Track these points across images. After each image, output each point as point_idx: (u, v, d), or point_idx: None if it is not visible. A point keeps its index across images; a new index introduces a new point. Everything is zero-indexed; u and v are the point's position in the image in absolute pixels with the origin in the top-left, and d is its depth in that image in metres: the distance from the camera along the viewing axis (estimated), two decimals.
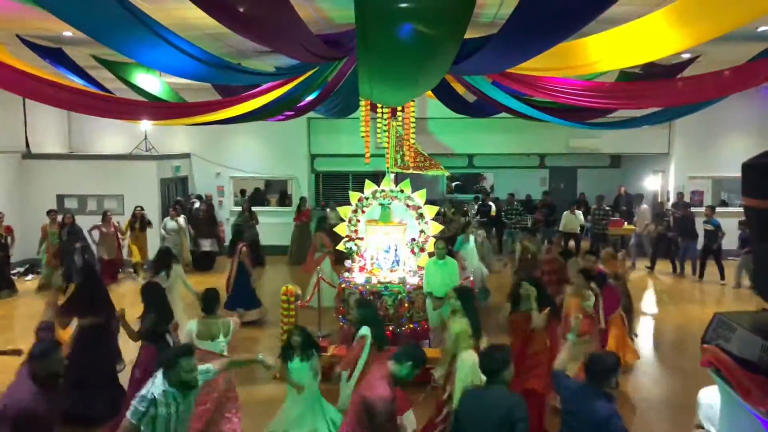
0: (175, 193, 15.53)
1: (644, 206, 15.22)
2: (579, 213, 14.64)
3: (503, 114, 9.90)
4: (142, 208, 13.65)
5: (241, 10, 4.72)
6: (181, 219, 13.71)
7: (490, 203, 16.01)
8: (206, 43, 8.06)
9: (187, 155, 16.32)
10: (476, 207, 16.31)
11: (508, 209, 15.35)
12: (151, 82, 9.35)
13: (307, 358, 5.79)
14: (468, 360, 5.28)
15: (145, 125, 14.33)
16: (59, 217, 12.65)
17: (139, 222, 13.42)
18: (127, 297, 11.45)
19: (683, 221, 13.65)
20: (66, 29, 7.47)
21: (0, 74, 6.27)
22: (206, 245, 14.44)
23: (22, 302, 11.92)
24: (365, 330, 6.06)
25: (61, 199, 14.51)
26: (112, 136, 16.05)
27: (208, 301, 5.89)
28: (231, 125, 11.62)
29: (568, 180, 19.10)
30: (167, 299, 7.10)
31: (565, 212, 14.58)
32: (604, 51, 6.03)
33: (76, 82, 8.58)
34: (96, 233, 12.85)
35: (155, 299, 6.57)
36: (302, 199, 15.46)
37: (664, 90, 7.13)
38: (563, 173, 18.84)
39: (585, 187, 18.04)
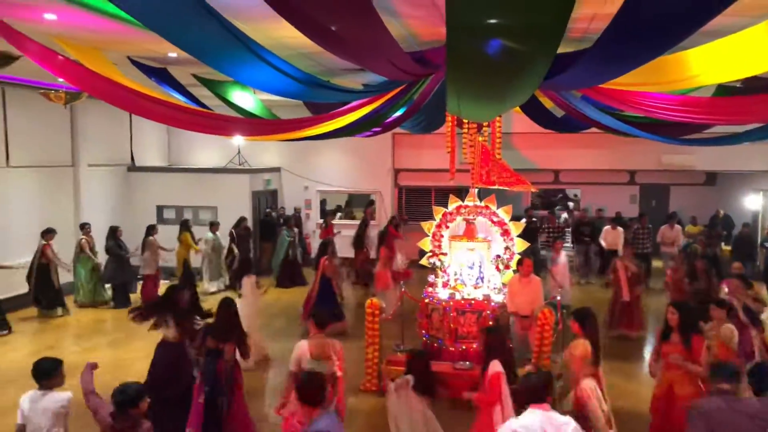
0: (266, 206, 16.07)
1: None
2: (677, 227, 14.12)
3: (591, 129, 9.65)
4: (188, 221, 13.97)
5: (334, 28, 4.88)
6: (219, 234, 13.73)
7: (535, 219, 15.49)
8: (299, 62, 8.34)
9: (277, 169, 16.90)
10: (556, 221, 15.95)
11: (548, 227, 15.03)
12: (247, 99, 9.81)
13: None
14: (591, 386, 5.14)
15: (239, 140, 14.96)
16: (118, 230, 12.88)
17: (189, 233, 13.58)
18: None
19: None
20: (171, 50, 7.95)
21: (111, 92, 6.77)
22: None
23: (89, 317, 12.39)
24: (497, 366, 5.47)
25: (160, 209, 15.38)
26: (208, 150, 16.88)
27: (321, 318, 5.74)
28: (319, 140, 11.96)
29: (659, 197, 18.30)
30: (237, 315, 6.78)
31: (663, 226, 14.16)
32: (706, 64, 5.77)
33: (179, 99, 9.13)
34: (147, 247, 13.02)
35: (225, 314, 6.48)
36: (326, 216, 15.71)
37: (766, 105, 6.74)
38: (654, 190, 18.07)
39: (678, 205, 17.22)
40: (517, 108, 9.53)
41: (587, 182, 16.81)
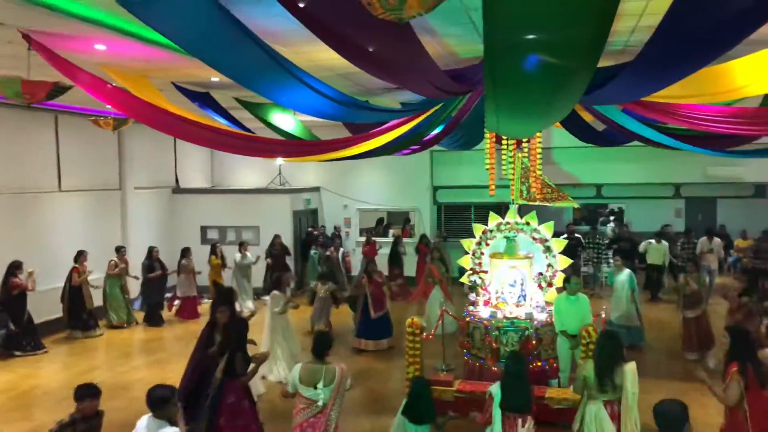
0: (307, 225, 16.24)
1: None
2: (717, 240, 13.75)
3: (634, 142, 9.49)
4: (219, 244, 14.09)
5: (371, 50, 4.95)
6: (249, 255, 13.77)
7: (577, 234, 15.17)
8: (337, 83, 8.47)
9: (317, 189, 17.08)
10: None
11: (590, 242, 14.82)
12: (287, 120, 9.97)
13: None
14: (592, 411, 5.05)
15: (280, 160, 15.18)
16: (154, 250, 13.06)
17: (220, 257, 13.70)
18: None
19: None
20: (213, 75, 8.16)
21: (157, 117, 6.99)
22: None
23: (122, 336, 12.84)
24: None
25: (204, 230, 15.69)
26: (250, 171, 17.18)
27: (316, 345, 5.61)
28: (358, 159, 12.07)
29: (706, 211, 17.82)
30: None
31: (702, 238, 13.81)
32: (752, 74, 5.64)
33: (221, 122, 9.34)
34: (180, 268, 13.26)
35: (242, 335, 6.61)
36: (369, 233, 15.72)
37: None
38: (701, 204, 17.62)
39: (726, 219, 16.72)
40: (558, 123, 9.45)
41: (631, 196, 16.49)
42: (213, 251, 13.72)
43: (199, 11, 4.18)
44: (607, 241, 15.00)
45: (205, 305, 13.57)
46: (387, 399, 8.15)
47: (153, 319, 12.67)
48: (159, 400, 4.42)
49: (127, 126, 9.83)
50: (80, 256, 11.77)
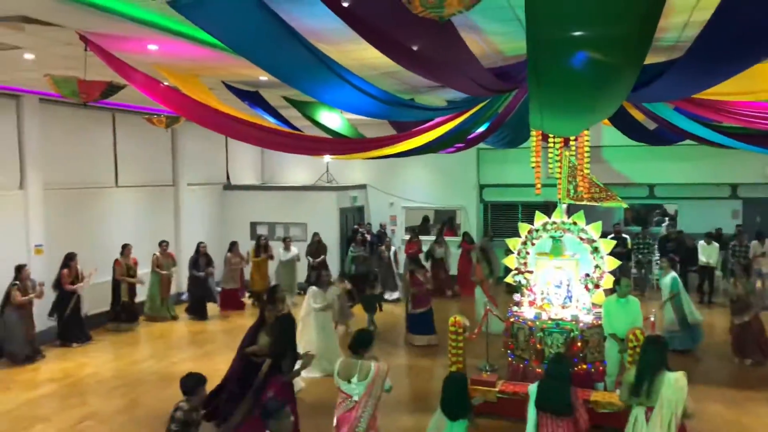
0: (353, 222, 16.37)
1: None
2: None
3: (688, 141, 9.20)
4: (266, 238, 14.30)
5: (415, 48, 4.96)
6: (294, 249, 13.99)
7: (625, 236, 14.68)
8: (382, 82, 8.51)
9: (363, 186, 17.20)
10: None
11: (639, 243, 14.35)
12: (333, 119, 10.08)
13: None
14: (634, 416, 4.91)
15: (327, 158, 15.35)
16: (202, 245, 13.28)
17: (264, 249, 13.83)
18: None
19: None
20: (262, 74, 8.32)
21: (207, 117, 7.18)
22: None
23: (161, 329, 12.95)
24: None
25: (253, 226, 16.00)
26: (298, 168, 17.44)
27: (354, 341, 5.75)
28: (404, 157, 12.09)
29: (765, 213, 17.05)
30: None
31: (753, 241, 13.40)
32: None
33: (270, 121, 9.52)
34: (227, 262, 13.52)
35: (292, 331, 6.72)
36: (412, 231, 15.60)
37: None
38: (759, 205, 16.87)
39: None
40: (607, 121, 9.25)
41: (685, 197, 15.97)
42: (257, 246, 13.93)
43: (245, 12, 4.28)
44: (656, 243, 14.55)
45: (246, 300, 13.96)
46: (429, 397, 8.15)
47: (197, 312, 12.93)
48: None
49: (179, 124, 10.12)
50: (125, 248, 12.05)
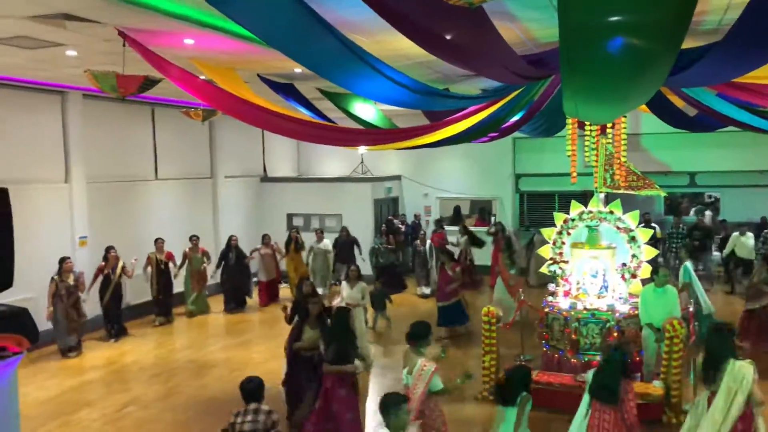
0: (387, 213, 16.41)
1: None
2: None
3: (730, 127, 8.94)
4: (298, 231, 14.18)
5: (448, 37, 4.94)
6: (326, 241, 13.86)
7: (654, 225, 14.23)
8: (416, 71, 8.50)
9: (398, 177, 17.22)
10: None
11: (672, 232, 13.94)
12: (367, 110, 10.11)
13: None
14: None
15: (362, 149, 15.40)
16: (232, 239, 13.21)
17: (294, 243, 13.76)
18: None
19: None
20: (296, 66, 8.39)
21: (243, 110, 7.28)
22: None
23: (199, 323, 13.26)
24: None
25: (290, 217, 16.19)
26: (334, 160, 17.56)
27: (407, 333, 5.76)
28: (439, 147, 12.05)
29: None
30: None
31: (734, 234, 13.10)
32: None
33: (304, 113, 9.60)
34: (256, 255, 13.48)
35: (346, 324, 6.66)
36: (437, 222, 15.38)
37: None
38: None
39: None
40: (645, 107, 9.06)
41: (728, 185, 15.53)
42: (288, 241, 13.85)
43: (277, 4, 4.33)
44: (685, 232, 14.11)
45: (284, 289, 14.04)
46: (460, 388, 8.09)
47: (232, 305, 12.97)
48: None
49: (216, 117, 10.28)
50: (156, 243, 12.04)
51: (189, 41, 7.00)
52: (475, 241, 14.12)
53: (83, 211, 11.46)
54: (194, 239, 12.80)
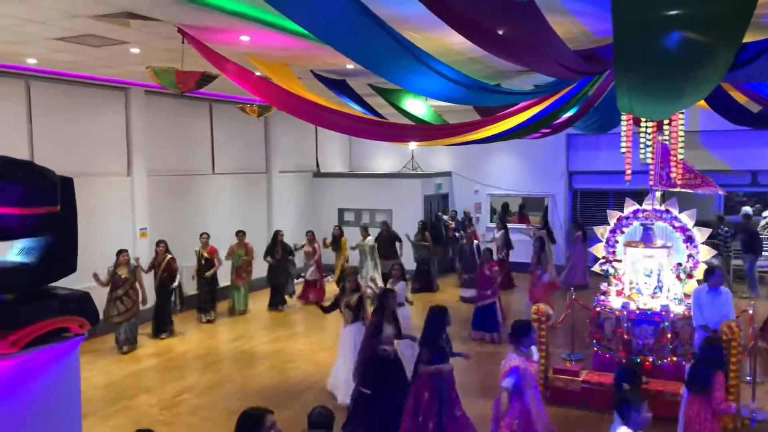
0: (437, 209, 16.40)
1: None
2: None
3: None
4: (340, 227, 14.11)
5: (500, 33, 4.93)
6: (370, 239, 13.60)
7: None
8: (468, 67, 8.47)
9: (448, 173, 17.18)
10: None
11: (715, 234, 13.19)
12: (418, 106, 10.15)
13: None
14: None
15: (413, 145, 15.44)
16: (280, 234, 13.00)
17: (334, 241, 13.72)
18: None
19: None
20: (348, 63, 8.50)
21: (296, 106, 7.44)
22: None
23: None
24: None
25: (341, 212, 16.40)
26: (385, 156, 17.68)
27: (512, 332, 5.73)
28: (489, 143, 11.96)
29: None
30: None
31: None
32: None
33: (356, 109, 9.70)
34: (302, 252, 13.36)
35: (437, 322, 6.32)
36: (468, 218, 15.09)
37: None
38: None
39: None
40: (704, 104, 8.78)
41: None
42: (342, 234, 13.89)
43: (331, 1, 4.42)
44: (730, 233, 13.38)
45: (330, 284, 13.97)
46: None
47: (273, 302, 12.78)
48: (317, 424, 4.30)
49: (271, 113, 10.50)
50: (200, 238, 11.80)
51: (245, 38, 7.19)
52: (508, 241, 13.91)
53: (144, 204, 11.90)
54: (240, 234, 12.44)
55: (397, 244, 13.78)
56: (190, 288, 12.20)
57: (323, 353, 9.57)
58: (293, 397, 8.09)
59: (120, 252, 10.12)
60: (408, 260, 13.62)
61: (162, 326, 10.82)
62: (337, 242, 13.84)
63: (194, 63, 7.26)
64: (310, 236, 13.48)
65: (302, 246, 13.47)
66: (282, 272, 13.00)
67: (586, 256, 13.66)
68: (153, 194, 12.08)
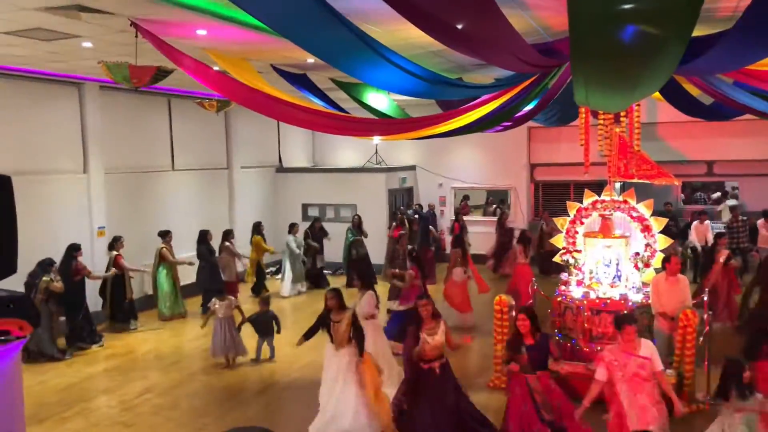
0: (402, 203, 16.42)
1: None
2: None
3: (748, 115, 8.84)
4: (261, 222, 13.61)
5: (459, 27, 4.94)
6: (300, 236, 13.44)
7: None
8: (429, 60, 8.49)
9: (412, 167, 17.22)
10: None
11: (732, 227, 13.54)
12: (380, 100, 10.14)
13: None
14: None
15: (376, 140, 15.42)
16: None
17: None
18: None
19: None
20: (309, 56, 8.43)
21: (255, 100, 7.34)
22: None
23: None
24: None
25: (305, 207, 16.29)
26: (348, 150, 17.61)
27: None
28: (453, 137, 12.03)
29: None
30: None
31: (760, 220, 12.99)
32: None
33: (317, 103, 9.64)
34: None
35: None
36: (396, 214, 14.63)
37: None
38: None
39: None
40: (660, 96, 8.98)
41: (746, 174, 15.33)
42: (259, 232, 13.22)
43: None
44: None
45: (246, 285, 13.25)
46: (467, 375, 8.05)
47: (205, 307, 11.34)
48: None
49: (231, 108, 10.35)
50: (117, 242, 10.92)
51: (202, 32, 7.06)
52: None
53: (101, 202, 11.62)
54: (167, 236, 11.67)
55: (324, 241, 13.72)
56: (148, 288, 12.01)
57: (285, 350, 9.50)
58: (256, 395, 8.04)
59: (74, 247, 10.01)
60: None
61: (88, 334, 10.05)
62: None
63: (150, 57, 7.10)
64: (230, 236, 12.58)
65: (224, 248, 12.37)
66: (215, 275, 11.85)
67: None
68: (111, 192, 11.81)
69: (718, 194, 18.58)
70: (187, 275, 12.16)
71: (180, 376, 8.77)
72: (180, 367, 9.17)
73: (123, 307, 10.93)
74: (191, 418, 7.32)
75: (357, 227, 14.07)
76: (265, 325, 9.20)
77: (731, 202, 16.23)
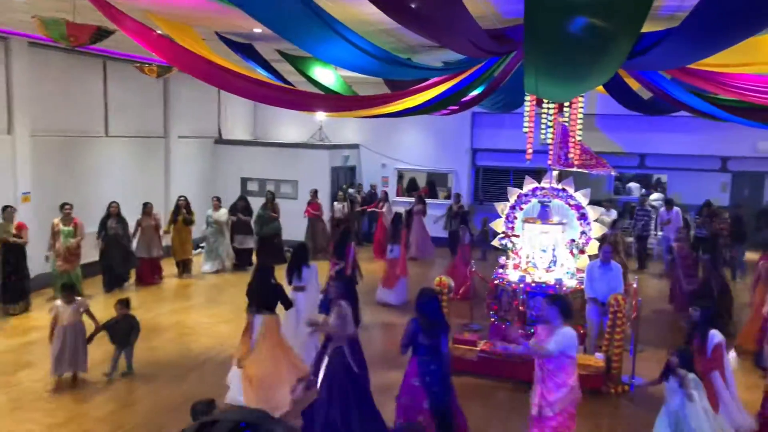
0: (344, 181, 16.34)
1: None
2: None
3: (681, 112, 9.22)
4: (186, 198, 12.71)
5: (413, 6, 4.89)
6: (223, 211, 13.08)
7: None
8: (379, 39, 8.40)
9: (356, 146, 17.12)
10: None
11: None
12: (327, 75, 9.95)
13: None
14: None
15: (321, 116, 15.22)
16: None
17: (183, 214, 12.46)
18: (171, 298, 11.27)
19: None
20: (256, 26, 8.19)
21: (200, 67, 7.06)
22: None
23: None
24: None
25: (244, 181, 15.95)
26: (292, 125, 17.31)
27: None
28: (398, 118, 12.00)
29: (753, 186, 17.18)
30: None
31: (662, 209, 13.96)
32: None
33: (263, 74, 9.39)
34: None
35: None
36: (313, 192, 14.68)
37: None
38: (748, 179, 16.99)
39: None
40: (602, 88, 9.21)
41: (675, 168, 16.05)
42: (177, 207, 12.63)
43: None
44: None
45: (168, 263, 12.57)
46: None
47: (109, 284, 11.24)
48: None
49: (171, 74, 9.97)
50: (6, 209, 9.83)
51: None
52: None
53: (26, 166, 11.00)
54: (67, 207, 10.39)
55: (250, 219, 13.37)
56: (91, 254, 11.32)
57: (223, 326, 9.34)
58: (192, 369, 7.89)
59: (5, 208, 9.68)
60: None
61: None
62: (187, 219, 12.57)
63: (87, 16, 6.71)
64: (149, 208, 11.96)
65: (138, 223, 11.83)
66: (115, 253, 11.28)
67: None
68: (38, 156, 11.20)
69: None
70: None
71: (109, 350, 8.36)
72: (106, 341, 8.83)
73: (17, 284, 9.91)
74: (125, 392, 7.11)
75: (265, 205, 13.55)
76: (124, 333, 7.81)
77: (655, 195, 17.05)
